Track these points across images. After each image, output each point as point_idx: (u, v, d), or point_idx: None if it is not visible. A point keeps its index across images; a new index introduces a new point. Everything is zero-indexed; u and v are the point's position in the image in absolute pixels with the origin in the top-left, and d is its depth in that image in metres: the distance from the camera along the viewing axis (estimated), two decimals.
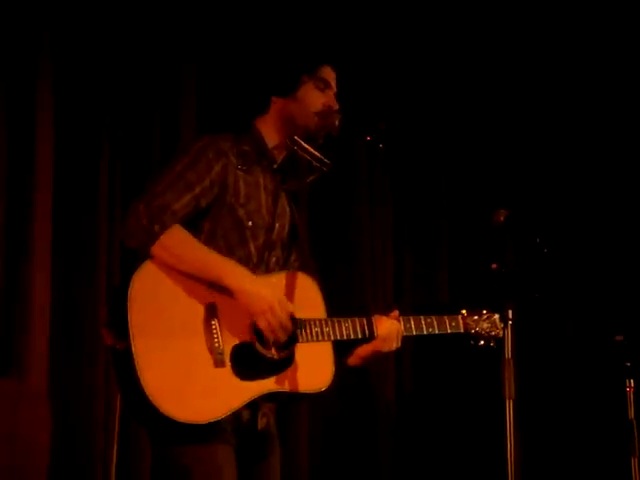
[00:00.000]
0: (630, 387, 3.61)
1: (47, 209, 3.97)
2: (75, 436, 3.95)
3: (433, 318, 3.06)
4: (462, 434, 5.34)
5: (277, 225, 2.95)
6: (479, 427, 5.25)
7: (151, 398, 2.57)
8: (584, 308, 5.42)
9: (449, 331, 3.10)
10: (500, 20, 5.38)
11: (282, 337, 2.74)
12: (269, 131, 3.00)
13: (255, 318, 2.72)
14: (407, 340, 5.18)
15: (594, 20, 5.32)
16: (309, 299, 2.88)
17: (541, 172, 5.77)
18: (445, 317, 3.10)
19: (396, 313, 3.02)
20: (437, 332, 3.07)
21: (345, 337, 2.88)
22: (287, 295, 2.82)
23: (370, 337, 2.94)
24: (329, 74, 3.02)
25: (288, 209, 3.03)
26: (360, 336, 2.91)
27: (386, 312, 3.02)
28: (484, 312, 3.15)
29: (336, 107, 2.99)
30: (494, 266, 3.04)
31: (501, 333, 3.09)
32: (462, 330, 3.14)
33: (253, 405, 2.79)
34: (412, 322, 3.04)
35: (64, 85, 4.09)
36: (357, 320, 2.92)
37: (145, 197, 2.74)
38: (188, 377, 2.64)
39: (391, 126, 2.98)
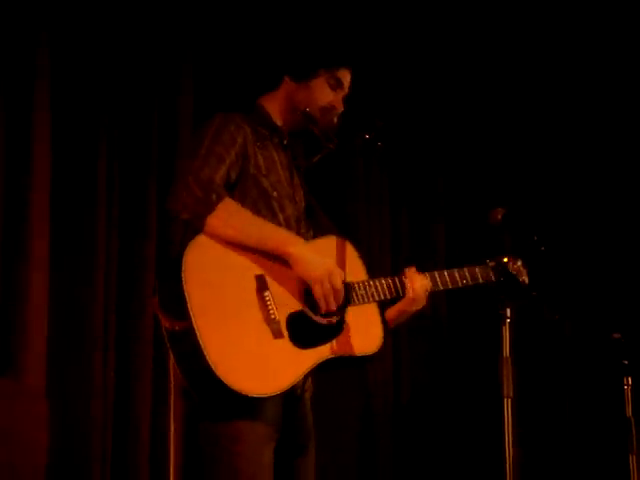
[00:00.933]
0: (628, 385, 3.60)
1: (44, 209, 3.97)
2: (73, 435, 3.95)
3: (457, 270, 3.01)
4: (460, 433, 5.34)
5: (297, 197, 2.99)
6: (477, 426, 5.25)
7: (219, 374, 2.57)
8: (582, 306, 5.42)
9: (481, 281, 3.03)
10: (499, 20, 5.39)
11: (333, 305, 2.75)
12: (274, 110, 3.04)
13: (312, 284, 2.73)
14: (405, 337, 5.22)
15: (594, 20, 5.33)
16: (350, 262, 2.92)
17: (538, 170, 5.77)
18: (476, 267, 3.03)
19: (413, 269, 2.98)
20: (471, 283, 3.01)
21: (382, 298, 2.89)
22: (334, 259, 2.86)
23: (403, 296, 2.93)
24: (345, 76, 3.05)
25: (300, 185, 3.06)
26: (394, 295, 2.92)
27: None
28: (504, 260, 3.05)
29: (341, 109, 3.03)
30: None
31: (527, 279, 3.04)
32: (481, 280, 3.03)
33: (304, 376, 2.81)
34: (438, 277, 2.99)
35: (62, 85, 4.09)
36: (389, 279, 2.92)
37: (190, 172, 2.74)
38: (252, 351, 2.65)
39: (389, 124, 2.99)
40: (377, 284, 2.90)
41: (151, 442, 4.16)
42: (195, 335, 2.58)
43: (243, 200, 2.84)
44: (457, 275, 3.01)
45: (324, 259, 2.78)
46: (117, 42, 4.27)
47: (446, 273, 3.01)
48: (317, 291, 2.74)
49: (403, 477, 5.22)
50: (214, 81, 4.60)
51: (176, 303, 2.62)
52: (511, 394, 2.74)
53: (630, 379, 3.61)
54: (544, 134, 5.75)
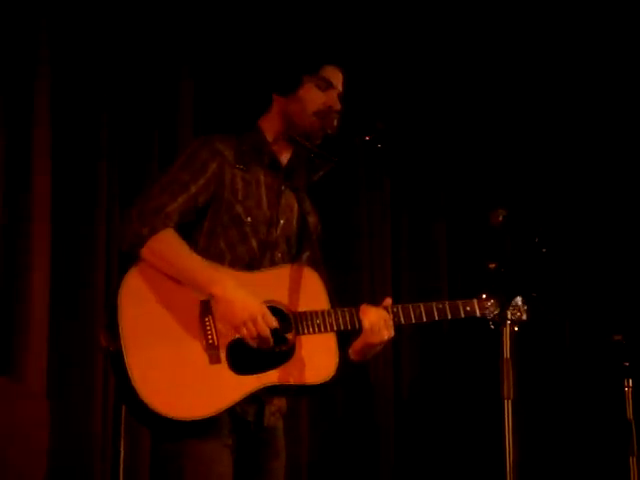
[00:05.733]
0: (628, 387, 3.60)
1: (46, 210, 3.98)
2: (73, 436, 3.95)
3: (445, 303, 2.95)
4: (461, 434, 5.34)
5: (282, 221, 2.95)
6: (478, 427, 5.25)
7: (142, 397, 2.60)
8: (583, 307, 5.42)
9: (463, 316, 2.96)
10: (498, 20, 5.38)
11: (268, 343, 2.73)
12: (271, 129, 3.01)
13: (235, 328, 2.72)
14: (405, 339, 5.22)
15: (594, 20, 5.32)
16: (312, 291, 2.88)
17: (539, 172, 5.76)
18: (459, 302, 2.98)
19: (388, 301, 2.93)
20: (438, 318, 2.93)
21: (335, 329, 2.84)
22: (285, 287, 2.83)
23: (359, 329, 2.87)
24: (333, 74, 3.00)
25: (296, 205, 3.02)
26: (349, 327, 2.85)
27: (378, 301, 2.93)
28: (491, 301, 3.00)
29: (337, 107, 2.97)
30: (492, 265, 3.03)
31: (525, 315, 2.99)
32: (478, 314, 2.98)
33: (259, 402, 2.80)
34: (401, 311, 2.92)
35: (62, 85, 4.10)
36: (346, 311, 2.86)
37: (139, 200, 2.79)
38: (181, 375, 2.66)
39: (389, 126, 2.98)
40: (335, 314, 2.85)
41: (151, 442, 4.15)
42: (122, 356, 2.62)
43: (214, 227, 2.85)
44: (423, 310, 2.93)
45: (251, 301, 2.72)
46: (118, 43, 4.28)
47: (410, 307, 2.92)
48: (242, 333, 2.71)
49: (404, 479, 5.22)
50: (214, 82, 4.60)
51: (112, 323, 2.66)
52: (511, 395, 2.74)
53: (631, 381, 3.61)
54: (545, 136, 5.75)
